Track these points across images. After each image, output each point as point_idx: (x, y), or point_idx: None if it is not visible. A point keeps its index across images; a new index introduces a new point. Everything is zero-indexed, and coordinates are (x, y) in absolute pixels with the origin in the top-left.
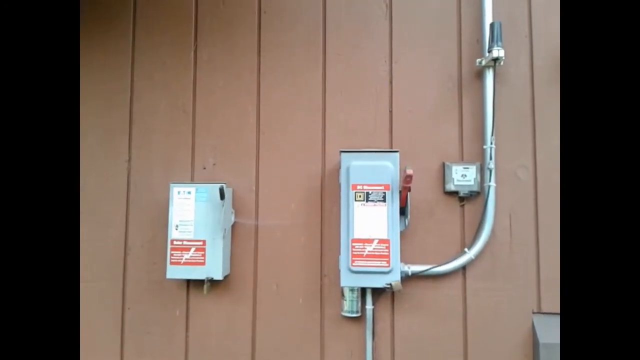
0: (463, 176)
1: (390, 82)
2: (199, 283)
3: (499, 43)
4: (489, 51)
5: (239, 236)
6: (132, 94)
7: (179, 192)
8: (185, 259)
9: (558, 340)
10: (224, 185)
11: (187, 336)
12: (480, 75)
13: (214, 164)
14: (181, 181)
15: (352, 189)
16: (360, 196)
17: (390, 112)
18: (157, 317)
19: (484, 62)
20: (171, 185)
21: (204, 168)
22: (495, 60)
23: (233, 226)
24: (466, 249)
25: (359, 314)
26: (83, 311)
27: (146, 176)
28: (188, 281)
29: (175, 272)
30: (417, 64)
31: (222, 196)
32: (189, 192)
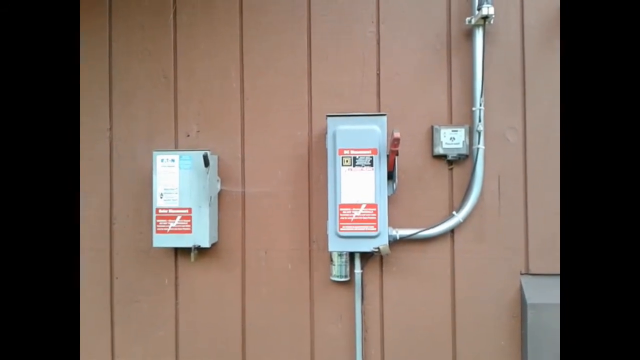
0: (452, 139)
1: (378, 44)
2: (187, 251)
3: (489, 0)
4: (479, 9)
5: (225, 204)
6: (110, 59)
7: (162, 160)
8: (172, 227)
9: (545, 301)
10: (208, 152)
11: (176, 304)
12: (469, 35)
13: (198, 131)
14: (165, 149)
15: (339, 154)
16: (347, 161)
17: (378, 74)
18: (146, 286)
19: (473, 21)
20: (154, 152)
21: (188, 135)
22: (485, 18)
23: (220, 194)
24: (454, 212)
25: (347, 278)
26: None
27: (129, 144)
28: (176, 250)
29: (161, 241)
30: (404, 24)
31: (206, 163)
32: (173, 160)
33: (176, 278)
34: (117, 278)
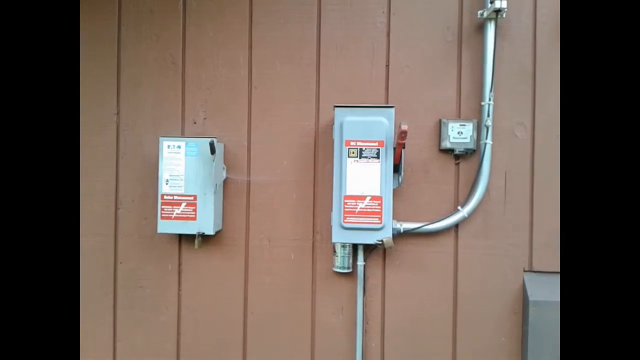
0: (459, 133)
1: (388, 35)
2: (191, 238)
3: None
4: (491, 2)
5: (230, 192)
6: (119, 44)
7: (168, 146)
8: (176, 213)
9: (548, 298)
10: (214, 139)
11: (179, 290)
12: (481, 28)
13: (205, 119)
14: (171, 135)
15: (346, 145)
16: (353, 152)
17: (387, 66)
18: (150, 271)
19: (485, 14)
20: (161, 139)
21: (195, 122)
22: (498, 11)
23: (225, 182)
24: (459, 207)
25: (350, 270)
26: None
27: (136, 130)
28: (180, 236)
29: (166, 227)
30: (416, 15)
31: (212, 151)
32: (179, 147)
33: (180, 264)
34: (121, 263)
